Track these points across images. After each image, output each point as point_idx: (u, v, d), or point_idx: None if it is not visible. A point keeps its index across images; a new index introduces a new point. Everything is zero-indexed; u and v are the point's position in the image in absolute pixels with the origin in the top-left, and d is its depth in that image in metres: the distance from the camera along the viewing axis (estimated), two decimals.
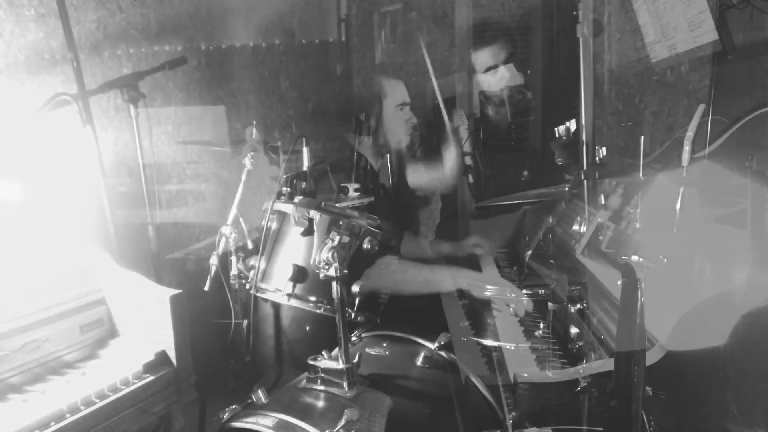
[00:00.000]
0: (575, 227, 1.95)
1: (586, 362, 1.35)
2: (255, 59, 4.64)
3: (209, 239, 2.26)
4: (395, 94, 2.26)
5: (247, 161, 2.05)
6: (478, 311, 2.01)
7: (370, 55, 4.28)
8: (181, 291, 1.80)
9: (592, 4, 2.61)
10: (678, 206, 1.35)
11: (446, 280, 1.99)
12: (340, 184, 1.90)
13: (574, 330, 1.52)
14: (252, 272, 1.79)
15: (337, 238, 1.49)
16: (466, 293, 1.95)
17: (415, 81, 3.83)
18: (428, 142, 3.15)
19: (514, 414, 1.20)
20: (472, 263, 2.44)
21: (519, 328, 1.76)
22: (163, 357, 1.76)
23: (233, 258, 1.95)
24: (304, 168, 1.96)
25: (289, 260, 1.66)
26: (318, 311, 1.62)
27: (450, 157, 2.56)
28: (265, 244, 1.75)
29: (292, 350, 1.95)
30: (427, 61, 2.34)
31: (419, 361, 1.78)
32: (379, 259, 1.99)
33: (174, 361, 1.77)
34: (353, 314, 1.59)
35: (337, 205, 1.70)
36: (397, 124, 2.27)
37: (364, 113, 2.12)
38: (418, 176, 2.74)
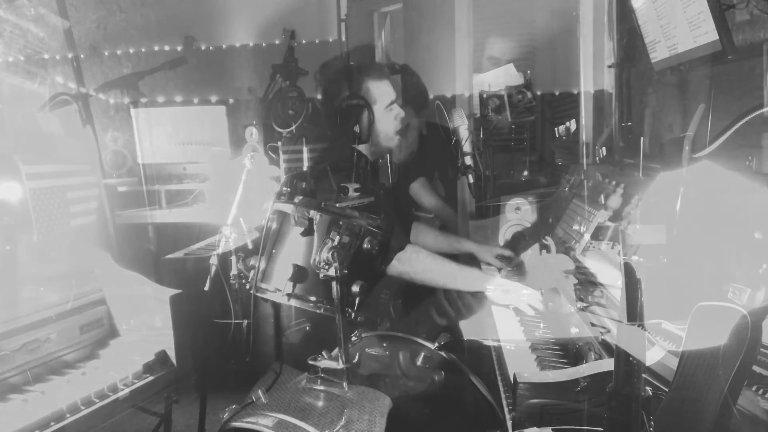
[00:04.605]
0: (575, 227, 1.95)
1: (586, 362, 1.35)
2: (255, 59, 4.64)
3: (209, 239, 2.25)
4: (383, 96, 2.23)
5: (247, 161, 2.05)
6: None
7: (370, 55, 4.27)
8: (181, 291, 1.80)
9: (593, 4, 2.62)
10: (678, 206, 1.35)
11: (472, 279, 1.97)
12: (340, 184, 1.90)
13: (574, 330, 1.52)
14: (252, 272, 1.79)
15: (337, 238, 1.49)
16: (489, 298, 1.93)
17: (414, 81, 3.83)
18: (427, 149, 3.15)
19: (514, 414, 1.20)
20: (472, 261, 2.42)
21: (519, 328, 1.76)
22: (163, 357, 1.76)
23: (233, 258, 1.95)
24: (304, 168, 1.95)
25: (289, 260, 1.66)
26: (318, 311, 1.62)
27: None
28: (265, 244, 1.74)
29: (292, 350, 1.95)
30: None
31: (419, 361, 1.78)
32: (409, 245, 1.99)
33: (174, 361, 1.77)
34: (353, 314, 1.59)
35: (337, 205, 1.70)
36: (388, 124, 2.25)
37: (357, 125, 2.09)
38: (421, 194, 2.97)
